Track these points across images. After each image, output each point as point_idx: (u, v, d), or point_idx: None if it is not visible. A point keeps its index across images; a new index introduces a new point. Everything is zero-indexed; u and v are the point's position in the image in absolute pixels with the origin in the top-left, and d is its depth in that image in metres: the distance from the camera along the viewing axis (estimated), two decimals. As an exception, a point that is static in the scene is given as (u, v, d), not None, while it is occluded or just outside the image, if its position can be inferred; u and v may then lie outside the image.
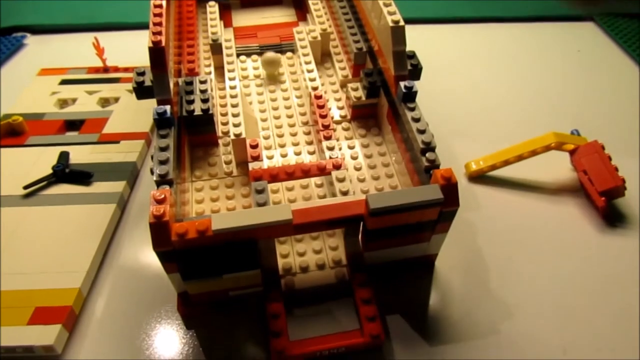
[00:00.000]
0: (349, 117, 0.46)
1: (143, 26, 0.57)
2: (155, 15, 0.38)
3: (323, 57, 0.53)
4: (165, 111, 0.35)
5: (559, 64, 0.61)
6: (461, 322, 0.34)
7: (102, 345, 0.33)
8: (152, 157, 0.33)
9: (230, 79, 0.45)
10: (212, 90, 0.43)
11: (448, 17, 0.69)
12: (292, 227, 0.30)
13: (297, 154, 0.42)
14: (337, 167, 0.38)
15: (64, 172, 0.43)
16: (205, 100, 0.41)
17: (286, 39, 0.54)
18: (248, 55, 0.53)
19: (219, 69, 0.51)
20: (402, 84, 0.37)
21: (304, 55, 0.48)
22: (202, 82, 0.42)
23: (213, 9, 0.54)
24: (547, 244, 0.40)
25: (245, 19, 0.59)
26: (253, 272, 0.31)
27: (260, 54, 0.53)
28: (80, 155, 0.46)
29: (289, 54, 0.53)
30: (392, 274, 0.37)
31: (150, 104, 0.37)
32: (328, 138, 0.40)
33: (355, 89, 0.45)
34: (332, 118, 0.45)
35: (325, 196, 0.40)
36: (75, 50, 0.62)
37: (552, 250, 0.39)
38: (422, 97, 0.39)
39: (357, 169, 0.41)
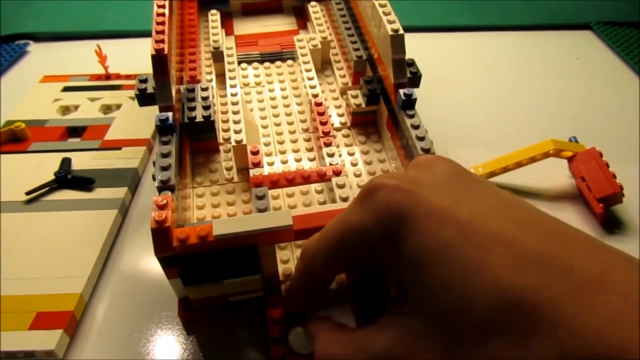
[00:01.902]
0: (349, 124, 0.46)
1: (145, 34, 0.58)
2: (157, 23, 0.39)
3: (323, 65, 0.54)
4: (167, 118, 0.36)
5: (557, 72, 0.62)
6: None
7: (103, 350, 0.33)
8: (153, 164, 0.34)
9: (232, 86, 0.45)
10: (213, 97, 0.43)
11: (447, 26, 0.70)
12: (293, 233, 0.30)
13: (298, 160, 0.43)
14: (337, 173, 0.38)
15: (66, 178, 0.44)
16: (206, 107, 0.41)
17: (287, 46, 0.55)
18: (249, 62, 0.54)
19: (220, 77, 0.51)
20: (401, 91, 0.37)
21: (305, 63, 0.48)
22: (203, 89, 0.43)
23: (215, 17, 0.55)
24: (545, 250, 0.40)
25: (246, 27, 0.60)
26: (253, 277, 0.31)
27: (261, 61, 0.54)
28: (82, 161, 0.46)
29: (289, 61, 0.54)
30: (392, 279, 0.37)
31: (152, 111, 0.37)
32: (328, 145, 0.41)
33: (355, 97, 0.45)
34: (332, 125, 0.45)
35: (325, 202, 0.40)
36: (78, 57, 0.63)
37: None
38: (422, 105, 0.39)
39: (357, 176, 0.42)
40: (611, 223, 0.42)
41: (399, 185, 0.19)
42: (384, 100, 0.43)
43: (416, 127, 0.36)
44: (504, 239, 0.16)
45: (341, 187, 0.37)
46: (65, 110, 0.53)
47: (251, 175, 0.38)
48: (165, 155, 0.34)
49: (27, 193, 0.42)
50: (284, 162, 0.43)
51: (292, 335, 0.30)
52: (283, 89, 0.50)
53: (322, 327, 0.25)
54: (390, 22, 0.39)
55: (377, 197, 0.20)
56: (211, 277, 0.30)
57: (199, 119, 0.41)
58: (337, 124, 0.46)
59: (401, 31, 0.38)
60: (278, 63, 0.54)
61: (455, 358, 0.17)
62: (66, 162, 0.45)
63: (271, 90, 0.50)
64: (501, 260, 0.16)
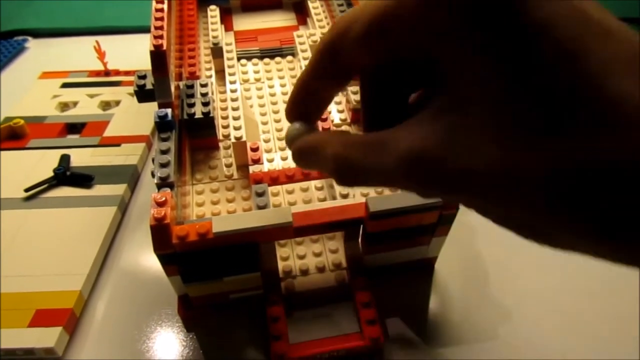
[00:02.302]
0: (349, 120, 0.46)
1: (144, 30, 0.57)
2: (156, 19, 0.39)
3: (323, 61, 0.53)
4: (166, 114, 0.35)
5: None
6: (460, 325, 0.34)
7: (103, 348, 0.33)
8: (153, 160, 0.33)
9: (231, 83, 0.45)
10: (213, 93, 0.43)
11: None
12: (293, 230, 0.30)
13: (298, 157, 0.43)
14: (337, 170, 0.38)
15: (65, 175, 0.43)
16: (206, 104, 0.41)
17: (286, 42, 0.55)
18: (249, 58, 0.54)
19: (220, 73, 0.51)
20: (402, 87, 0.37)
21: (304, 59, 0.48)
22: (203, 86, 0.43)
23: (214, 12, 0.55)
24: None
25: (245, 23, 0.59)
26: (253, 274, 0.31)
27: (261, 57, 0.54)
28: (81, 158, 0.46)
29: (289, 57, 0.53)
30: (392, 277, 0.37)
31: (151, 108, 0.37)
32: (328, 141, 0.40)
33: (356, 93, 0.45)
34: (333, 121, 0.45)
35: (325, 199, 0.40)
36: (77, 53, 0.62)
37: (551, 253, 0.39)
38: (422, 101, 0.39)
39: (357, 172, 0.41)
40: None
41: None
42: (385, 97, 0.42)
43: (417, 123, 0.36)
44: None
45: (341, 184, 0.37)
46: (64, 106, 0.53)
47: (251, 172, 0.37)
48: (164, 152, 0.34)
49: (26, 190, 0.42)
50: (284, 159, 0.43)
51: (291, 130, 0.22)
52: (283, 85, 0.50)
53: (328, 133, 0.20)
54: (390, 17, 0.39)
55: None
56: (211, 275, 0.30)
57: (198, 115, 0.40)
58: (337, 121, 0.46)
59: (402, 27, 0.38)
60: (278, 59, 0.54)
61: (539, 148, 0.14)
62: (65, 159, 0.45)
63: (271, 87, 0.50)
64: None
